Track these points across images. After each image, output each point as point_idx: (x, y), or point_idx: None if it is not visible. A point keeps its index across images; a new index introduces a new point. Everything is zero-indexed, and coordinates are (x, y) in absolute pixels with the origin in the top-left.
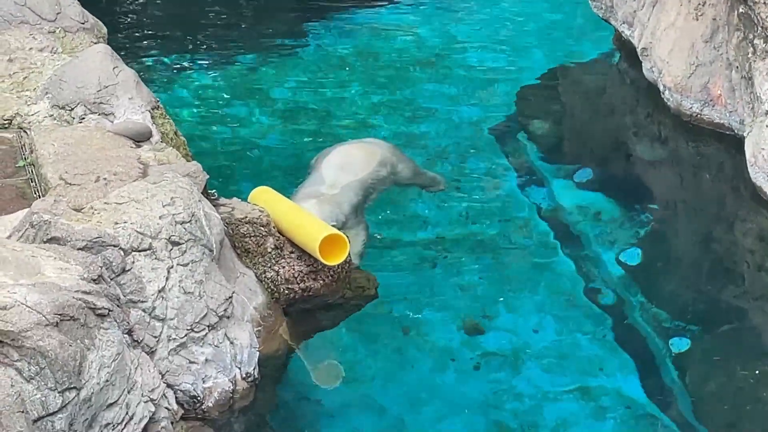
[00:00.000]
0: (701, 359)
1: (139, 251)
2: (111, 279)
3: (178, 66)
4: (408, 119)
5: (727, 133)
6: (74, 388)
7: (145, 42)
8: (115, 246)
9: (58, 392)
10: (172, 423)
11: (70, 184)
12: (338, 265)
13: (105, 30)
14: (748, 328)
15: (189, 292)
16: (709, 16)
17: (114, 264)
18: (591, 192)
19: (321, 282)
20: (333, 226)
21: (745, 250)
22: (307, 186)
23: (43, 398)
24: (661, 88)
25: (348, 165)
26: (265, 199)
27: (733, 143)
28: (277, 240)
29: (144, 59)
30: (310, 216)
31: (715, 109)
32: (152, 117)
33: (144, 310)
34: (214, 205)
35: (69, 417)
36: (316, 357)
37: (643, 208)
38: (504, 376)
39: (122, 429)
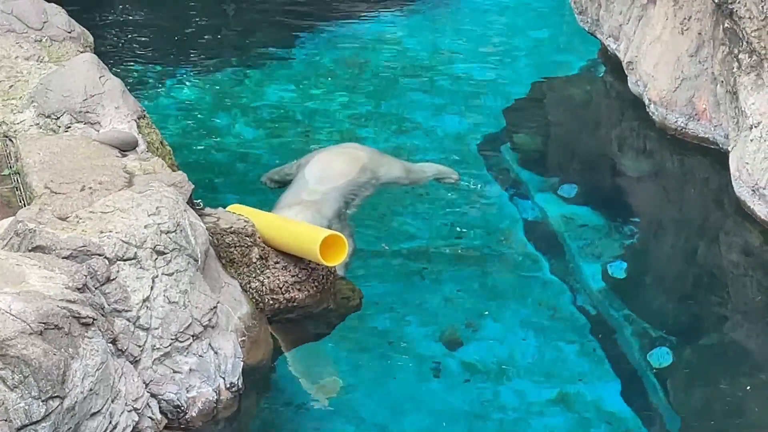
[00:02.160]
0: (685, 373)
1: (124, 260)
2: (96, 288)
3: (165, 75)
4: (394, 131)
5: (712, 147)
6: (58, 396)
7: (131, 51)
8: (100, 255)
9: (42, 401)
10: None
11: (56, 192)
12: (323, 276)
13: (91, 39)
14: (732, 342)
15: (174, 302)
16: (695, 31)
17: (99, 273)
18: (576, 205)
19: (306, 292)
20: None
21: (729, 264)
22: (288, 194)
23: (27, 407)
24: (647, 101)
25: (328, 171)
26: (243, 212)
27: (718, 157)
28: (262, 250)
29: (130, 68)
30: (300, 222)
31: (699, 124)
32: (138, 126)
33: (128, 320)
34: (199, 215)
35: (52, 426)
36: (311, 369)
37: (628, 221)
38: (488, 388)
39: None
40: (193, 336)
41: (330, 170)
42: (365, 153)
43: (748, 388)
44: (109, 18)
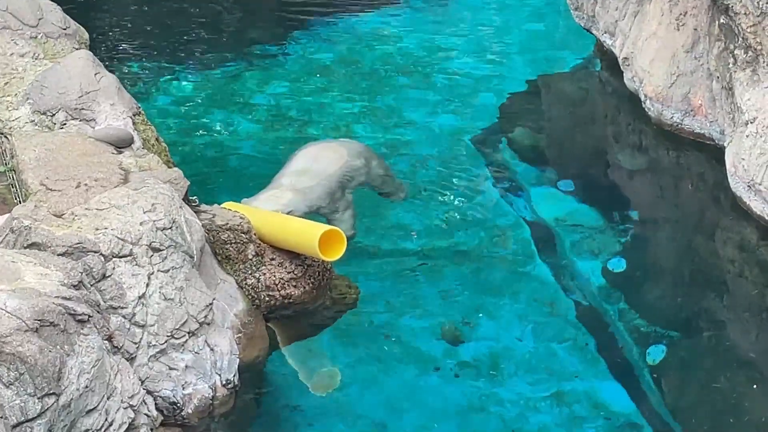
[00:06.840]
0: (680, 368)
1: (120, 257)
2: (91, 285)
3: (160, 72)
4: (390, 127)
5: (708, 142)
6: (53, 393)
7: (127, 48)
8: (95, 252)
9: (38, 398)
10: (151, 429)
11: (51, 189)
12: (319, 272)
13: (87, 36)
14: (727, 337)
15: (169, 299)
16: (691, 27)
17: (94, 270)
18: (572, 201)
19: (302, 289)
20: (291, 213)
21: (725, 260)
22: (273, 180)
23: (23, 404)
24: (642, 97)
25: (316, 156)
26: (239, 209)
27: (714, 153)
28: (257, 247)
29: (126, 65)
30: (298, 218)
31: (695, 119)
32: (134, 123)
33: (124, 317)
34: (195, 212)
35: (48, 423)
36: (307, 365)
37: (624, 217)
38: (484, 384)
39: None
40: (189, 333)
41: (318, 155)
42: (357, 144)
43: (755, 386)
44: (105, 15)
